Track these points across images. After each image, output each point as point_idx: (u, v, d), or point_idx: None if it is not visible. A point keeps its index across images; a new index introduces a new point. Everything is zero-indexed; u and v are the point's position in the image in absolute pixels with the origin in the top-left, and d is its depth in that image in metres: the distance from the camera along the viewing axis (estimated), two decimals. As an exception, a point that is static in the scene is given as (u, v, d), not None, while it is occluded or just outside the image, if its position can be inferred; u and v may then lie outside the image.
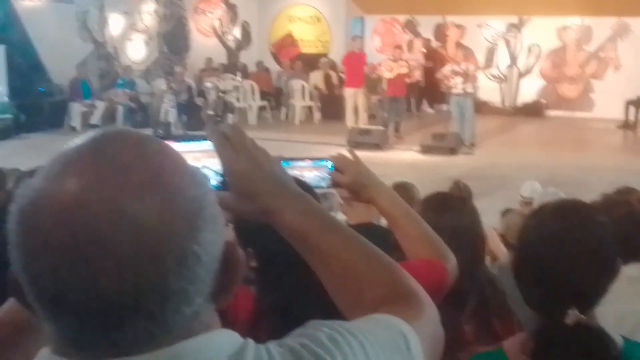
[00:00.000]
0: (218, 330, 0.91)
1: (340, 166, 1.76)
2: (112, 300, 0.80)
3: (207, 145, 1.15)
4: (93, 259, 0.78)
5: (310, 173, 1.75)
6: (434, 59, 19.90)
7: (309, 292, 1.74)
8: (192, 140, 1.18)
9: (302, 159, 1.75)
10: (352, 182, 1.77)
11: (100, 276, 0.79)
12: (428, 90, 20.28)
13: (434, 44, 21.66)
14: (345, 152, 1.86)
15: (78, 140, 0.87)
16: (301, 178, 1.72)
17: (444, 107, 16.71)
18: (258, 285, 1.89)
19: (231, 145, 1.13)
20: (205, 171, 1.16)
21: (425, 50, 21.00)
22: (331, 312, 1.12)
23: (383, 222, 2.51)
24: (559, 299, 1.86)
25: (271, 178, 1.14)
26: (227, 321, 0.96)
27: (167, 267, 0.81)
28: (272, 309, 1.86)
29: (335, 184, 1.78)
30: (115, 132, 0.89)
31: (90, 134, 0.87)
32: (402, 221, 1.80)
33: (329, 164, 1.76)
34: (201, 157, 1.17)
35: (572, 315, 1.82)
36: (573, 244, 1.88)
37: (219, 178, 1.16)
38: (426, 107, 20.97)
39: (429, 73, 19.23)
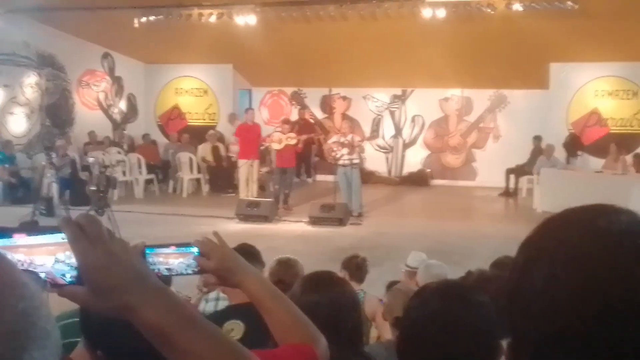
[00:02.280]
0: None
1: (205, 251, 1.73)
2: None
3: (61, 237, 1.07)
4: None
5: (176, 260, 1.70)
6: (308, 130, 19.98)
7: None
8: (46, 232, 1.10)
9: (166, 245, 1.69)
10: (218, 268, 1.73)
11: None
12: (305, 160, 20.83)
13: (319, 115, 22.04)
14: (210, 236, 1.83)
15: None
16: (167, 265, 1.67)
17: (330, 177, 16.83)
18: None
19: (86, 237, 1.05)
20: (59, 265, 1.09)
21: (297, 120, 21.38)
22: None
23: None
24: None
25: (129, 272, 1.07)
26: None
27: None
28: None
29: (201, 270, 1.73)
30: None
31: None
32: (270, 306, 1.76)
33: (195, 249, 1.72)
34: (55, 250, 1.09)
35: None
36: (454, 323, 1.88)
37: (74, 272, 1.09)
38: (304, 177, 21.27)
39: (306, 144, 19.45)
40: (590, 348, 0.89)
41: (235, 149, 18.73)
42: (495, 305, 2.00)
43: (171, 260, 1.68)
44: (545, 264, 0.96)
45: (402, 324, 2.07)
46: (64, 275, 1.09)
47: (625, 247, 0.93)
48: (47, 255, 1.08)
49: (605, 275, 0.91)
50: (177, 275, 1.70)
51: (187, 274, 1.73)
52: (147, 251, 1.61)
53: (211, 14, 16.75)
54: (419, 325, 1.93)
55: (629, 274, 0.91)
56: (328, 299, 2.60)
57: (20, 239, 1.06)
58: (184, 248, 1.72)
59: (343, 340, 2.34)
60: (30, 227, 1.11)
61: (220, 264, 1.73)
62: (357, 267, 6.49)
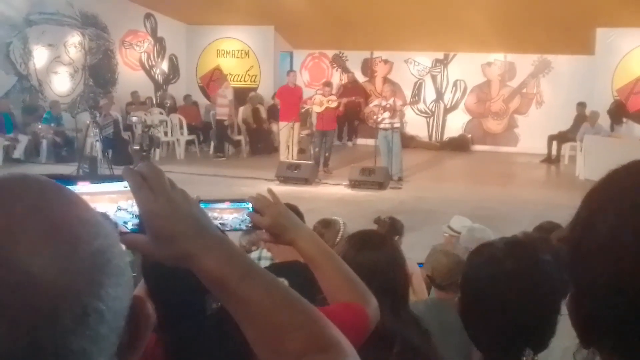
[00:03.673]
0: None
1: (259, 208, 1.74)
2: None
3: (124, 185, 1.09)
4: None
5: (230, 215, 1.71)
6: (352, 93, 20.01)
7: (208, 337, 1.75)
8: (109, 180, 1.12)
9: (221, 201, 1.71)
10: (272, 224, 1.75)
11: None
12: (348, 123, 21.00)
13: (361, 78, 21.99)
14: (264, 193, 1.84)
15: None
16: (221, 220, 1.69)
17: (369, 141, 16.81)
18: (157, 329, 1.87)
19: (148, 186, 1.07)
20: (121, 213, 1.11)
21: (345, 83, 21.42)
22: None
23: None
24: (512, 339, 1.84)
25: (190, 220, 1.09)
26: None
27: (64, 326, 0.74)
28: (171, 352, 1.86)
29: (255, 226, 1.74)
30: (12, 177, 0.82)
31: None
32: (323, 264, 1.77)
33: (249, 205, 1.73)
34: (117, 198, 1.11)
35: (528, 356, 1.80)
36: (522, 282, 1.87)
37: (136, 220, 1.10)
38: (345, 141, 21.34)
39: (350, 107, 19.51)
40: None
41: (221, 110, 18.60)
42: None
43: (225, 216, 1.70)
44: (610, 214, 0.94)
45: (465, 281, 2.06)
46: (125, 223, 1.11)
47: None
48: (110, 203, 1.10)
49: None
50: (230, 230, 1.72)
51: (241, 229, 1.74)
52: (202, 205, 1.63)
53: (254, -25, 16.70)
54: (485, 284, 1.93)
55: None
56: (378, 257, 2.62)
57: (83, 186, 1.08)
58: (238, 204, 1.73)
59: (390, 297, 2.35)
60: (93, 176, 1.13)
61: (274, 220, 1.74)
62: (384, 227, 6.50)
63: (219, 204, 1.71)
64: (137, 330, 0.84)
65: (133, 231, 1.10)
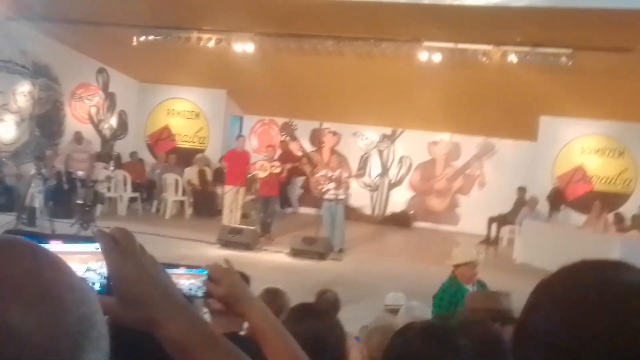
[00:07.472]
0: None
1: (214, 276, 1.73)
2: None
3: (95, 247, 1.12)
4: None
5: (187, 281, 1.71)
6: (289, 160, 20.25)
7: None
8: (80, 241, 1.15)
9: (177, 266, 1.71)
10: (226, 294, 1.74)
11: None
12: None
13: (308, 148, 22.18)
14: (220, 262, 1.84)
15: None
16: (178, 286, 1.69)
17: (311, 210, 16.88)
18: None
19: (119, 250, 1.11)
20: (90, 274, 1.14)
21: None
22: None
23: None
24: None
25: (157, 287, 1.12)
26: None
27: None
28: None
29: (208, 295, 1.75)
30: (6, 240, 0.86)
31: None
32: (272, 338, 1.77)
33: (205, 272, 1.74)
34: (88, 259, 1.14)
35: None
36: None
37: (104, 282, 1.13)
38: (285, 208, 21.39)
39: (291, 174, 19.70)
40: None
41: (80, 165, 17.91)
42: (478, 349, 2.05)
43: (182, 281, 1.70)
44: (548, 307, 1.07)
45: (382, 358, 2.11)
46: (93, 283, 1.14)
47: (632, 303, 1.02)
48: (79, 263, 1.13)
49: (607, 325, 1.00)
50: (187, 297, 1.71)
51: (196, 296, 1.74)
52: None
53: (210, 38, 16.82)
54: None
55: (631, 329, 1.00)
56: (313, 329, 2.63)
57: (55, 245, 1.11)
58: (194, 270, 1.74)
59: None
60: (66, 235, 1.16)
61: (229, 290, 1.74)
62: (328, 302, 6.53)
63: (175, 268, 1.71)
64: None
65: (100, 292, 1.12)
